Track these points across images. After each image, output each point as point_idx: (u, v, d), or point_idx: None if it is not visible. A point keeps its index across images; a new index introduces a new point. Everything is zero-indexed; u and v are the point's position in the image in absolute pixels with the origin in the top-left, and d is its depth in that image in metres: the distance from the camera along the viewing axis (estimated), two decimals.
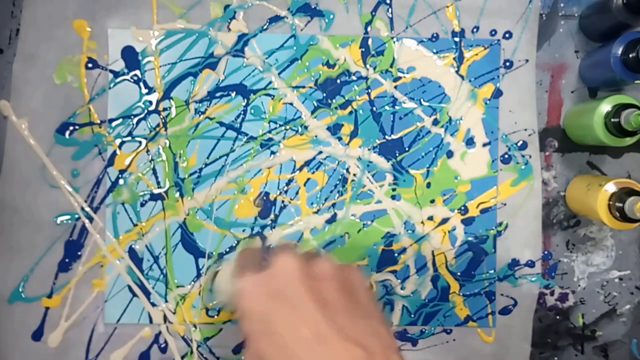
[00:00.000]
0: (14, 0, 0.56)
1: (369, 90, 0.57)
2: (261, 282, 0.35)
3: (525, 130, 0.57)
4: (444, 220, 0.57)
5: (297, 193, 0.57)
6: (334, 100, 0.57)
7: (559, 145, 0.58)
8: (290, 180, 0.57)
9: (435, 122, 0.57)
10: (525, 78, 0.57)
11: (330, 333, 0.32)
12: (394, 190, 0.57)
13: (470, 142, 0.57)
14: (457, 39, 0.57)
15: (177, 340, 0.56)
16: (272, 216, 0.57)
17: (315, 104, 0.57)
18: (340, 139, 0.57)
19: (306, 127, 0.57)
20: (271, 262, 0.35)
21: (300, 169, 0.57)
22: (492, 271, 0.57)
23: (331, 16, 0.57)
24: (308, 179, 0.57)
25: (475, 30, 0.57)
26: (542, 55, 0.58)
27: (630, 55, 0.49)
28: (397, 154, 0.57)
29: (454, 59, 0.57)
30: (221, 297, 0.50)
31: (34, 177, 0.55)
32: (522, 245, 0.57)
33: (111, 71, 0.56)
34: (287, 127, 0.57)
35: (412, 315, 0.57)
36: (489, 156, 0.57)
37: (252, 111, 0.57)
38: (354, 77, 0.57)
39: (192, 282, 0.56)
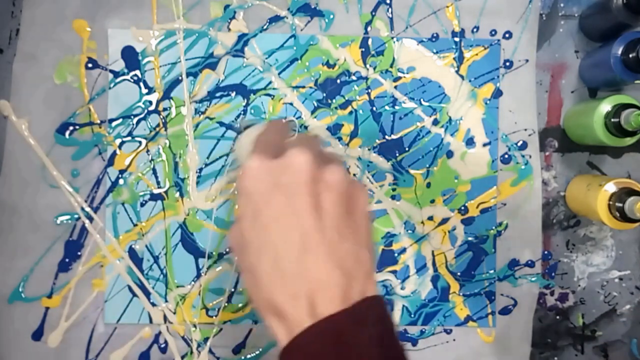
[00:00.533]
0: (14, 0, 0.56)
1: (369, 90, 0.57)
2: (269, 168, 0.34)
3: (525, 130, 0.57)
4: (444, 220, 0.57)
5: None
6: (334, 100, 0.57)
7: (559, 145, 0.58)
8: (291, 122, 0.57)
9: (435, 122, 0.57)
10: (525, 78, 0.57)
11: (315, 244, 0.31)
12: (394, 190, 0.57)
13: (470, 142, 0.57)
14: (457, 39, 0.57)
15: (177, 340, 0.56)
16: None
17: (315, 104, 0.57)
18: (340, 139, 0.57)
19: (306, 127, 0.57)
20: (286, 151, 0.34)
21: None
22: (492, 271, 0.57)
23: (331, 16, 0.57)
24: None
25: (475, 30, 0.57)
26: (542, 55, 0.58)
27: (630, 55, 0.49)
28: (397, 154, 0.57)
29: (454, 59, 0.57)
30: (238, 161, 0.48)
31: (34, 177, 0.55)
32: (522, 245, 0.57)
33: (111, 71, 0.56)
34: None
35: (412, 315, 0.57)
36: (489, 156, 0.57)
37: (252, 111, 0.57)
38: (354, 77, 0.57)
39: (192, 282, 0.56)
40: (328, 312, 0.30)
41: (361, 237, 0.34)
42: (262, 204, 0.33)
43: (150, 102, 0.56)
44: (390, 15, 0.57)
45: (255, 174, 0.34)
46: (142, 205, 0.56)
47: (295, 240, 0.31)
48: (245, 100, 0.57)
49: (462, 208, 0.57)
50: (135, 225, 0.56)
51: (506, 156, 0.57)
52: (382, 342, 0.31)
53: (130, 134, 0.56)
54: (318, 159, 0.34)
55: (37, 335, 0.55)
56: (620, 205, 0.49)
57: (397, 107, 0.57)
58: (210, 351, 0.56)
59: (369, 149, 0.57)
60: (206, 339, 0.56)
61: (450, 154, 0.57)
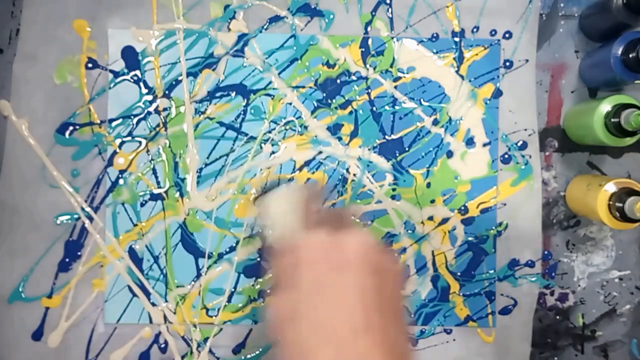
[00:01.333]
0: (14, 0, 0.56)
1: (369, 90, 0.57)
2: (329, 246, 0.34)
3: (525, 130, 0.57)
4: (444, 220, 0.57)
5: None
6: (334, 100, 0.57)
7: (559, 145, 0.58)
8: (290, 180, 0.57)
9: (435, 122, 0.57)
10: (525, 78, 0.57)
11: (372, 328, 0.32)
12: (394, 190, 0.57)
13: (470, 142, 0.57)
14: (457, 39, 0.57)
15: (177, 340, 0.56)
16: None
17: (315, 104, 0.57)
18: (340, 139, 0.57)
19: (306, 127, 0.57)
20: (344, 231, 0.35)
21: (300, 169, 0.57)
22: (492, 271, 0.57)
23: (331, 16, 0.57)
24: (308, 179, 0.57)
25: (475, 30, 0.57)
26: (542, 55, 0.58)
27: (630, 55, 0.49)
28: (397, 154, 0.57)
29: (454, 59, 0.57)
30: (267, 221, 0.47)
31: (34, 177, 0.55)
32: (522, 245, 0.57)
33: (111, 71, 0.56)
34: (287, 127, 0.57)
35: (412, 315, 0.57)
36: (489, 156, 0.57)
37: (252, 111, 0.57)
38: (354, 77, 0.57)
39: (192, 282, 0.56)
40: None
41: (405, 322, 0.35)
42: (320, 280, 0.34)
43: (150, 102, 0.56)
44: (390, 15, 0.57)
45: (313, 249, 0.35)
46: (142, 205, 0.56)
47: (351, 320, 0.32)
48: (245, 100, 0.57)
49: (462, 208, 0.57)
50: (135, 225, 0.56)
51: (506, 156, 0.57)
52: None
53: (130, 134, 0.56)
54: (376, 246, 0.35)
55: (37, 335, 0.55)
56: (620, 205, 0.49)
57: (397, 107, 0.57)
58: (210, 351, 0.56)
59: (369, 149, 0.57)
60: (206, 339, 0.56)
61: (450, 154, 0.57)
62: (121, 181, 0.56)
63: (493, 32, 0.57)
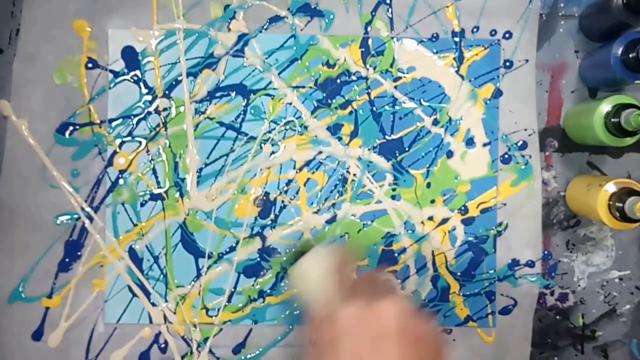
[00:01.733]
0: (14, 0, 0.56)
1: (369, 90, 0.57)
2: (367, 316, 0.35)
3: (525, 130, 0.57)
4: (444, 220, 0.57)
5: (297, 193, 0.57)
6: (334, 100, 0.57)
7: (559, 145, 0.58)
8: (290, 180, 0.57)
9: (435, 122, 0.57)
10: (525, 78, 0.57)
11: None
12: (394, 190, 0.57)
13: (470, 142, 0.57)
14: (457, 39, 0.57)
15: (177, 340, 0.56)
16: (272, 216, 0.57)
17: (315, 104, 0.57)
18: (340, 139, 0.57)
19: (306, 127, 0.57)
20: (381, 299, 0.36)
21: (300, 169, 0.57)
22: (492, 271, 0.57)
23: (331, 16, 0.57)
24: (308, 179, 0.57)
25: (475, 30, 0.57)
26: (542, 55, 0.58)
27: (630, 55, 0.49)
28: (397, 154, 0.57)
29: (454, 59, 0.57)
30: (302, 287, 0.47)
31: (34, 177, 0.55)
32: (522, 245, 0.57)
33: (111, 71, 0.56)
34: (287, 127, 0.57)
35: None
36: (489, 156, 0.57)
37: (252, 111, 0.57)
38: (354, 77, 0.57)
39: (192, 282, 0.56)
40: None
41: None
42: (360, 352, 0.34)
43: (150, 102, 0.56)
44: (390, 15, 0.57)
45: (353, 320, 0.35)
46: (142, 205, 0.56)
47: None
48: (245, 100, 0.57)
49: (462, 208, 0.57)
50: (135, 225, 0.56)
51: (506, 156, 0.57)
52: None
53: (130, 134, 0.56)
54: (412, 314, 0.36)
55: (37, 335, 0.55)
56: (620, 205, 0.49)
57: (397, 107, 0.57)
58: (210, 351, 0.56)
59: (369, 149, 0.57)
60: (206, 339, 0.56)
61: (450, 154, 0.57)
62: (121, 181, 0.56)
63: (493, 32, 0.57)
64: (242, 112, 0.57)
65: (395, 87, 0.57)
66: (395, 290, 0.40)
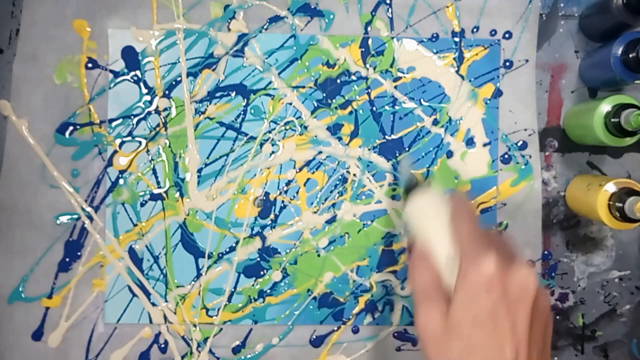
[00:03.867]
0: (14, 0, 0.56)
1: (369, 90, 0.57)
2: (499, 275, 0.34)
3: (525, 130, 0.57)
4: None
5: (297, 193, 0.57)
6: (334, 100, 0.57)
7: (559, 145, 0.58)
8: (290, 180, 0.57)
9: (435, 122, 0.57)
10: (525, 78, 0.57)
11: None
12: (394, 190, 0.57)
13: (470, 142, 0.57)
14: (457, 39, 0.57)
15: (177, 340, 0.56)
16: (272, 216, 0.57)
17: (315, 104, 0.57)
18: (340, 139, 0.57)
19: (306, 127, 0.57)
20: (515, 263, 0.35)
21: (300, 169, 0.57)
22: None
23: (331, 16, 0.57)
24: (308, 179, 0.57)
25: (475, 30, 0.57)
26: (542, 55, 0.58)
27: (630, 55, 0.49)
28: (397, 154, 0.57)
29: (454, 59, 0.57)
30: (412, 219, 0.43)
31: (34, 177, 0.55)
32: (522, 245, 0.57)
33: (111, 71, 0.56)
34: (287, 127, 0.57)
35: (412, 316, 0.57)
36: (489, 156, 0.57)
37: (252, 111, 0.57)
38: (354, 77, 0.57)
39: (192, 282, 0.56)
40: None
41: (549, 355, 0.37)
42: (487, 308, 0.34)
43: (150, 102, 0.56)
44: (390, 15, 0.57)
45: (488, 278, 0.34)
46: (142, 205, 0.56)
47: (509, 353, 0.33)
48: (245, 100, 0.57)
49: None
50: (135, 225, 0.56)
51: (506, 156, 0.57)
52: None
53: (130, 134, 0.56)
54: (538, 282, 0.36)
55: (37, 335, 0.55)
56: (620, 205, 0.49)
57: (397, 107, 0.57)
58: (210, 351, 0.56)
59: (369, 149, 0.57)
60: (206, 339, 0.56)
61: (450, 154, 0.57)
62: (121, 181, 0.56)
63: (493, 32, 0.57)
64: (242, 112, 0.57)
65: (395, 87, 0.57)
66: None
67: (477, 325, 0.34)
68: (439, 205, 0.41)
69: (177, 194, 0.56)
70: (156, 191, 0.56)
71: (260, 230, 0.57)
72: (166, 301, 0.56)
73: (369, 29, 0.57)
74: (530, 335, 0.34)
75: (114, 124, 0.56)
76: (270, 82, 0.57)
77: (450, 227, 0.39)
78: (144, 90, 0.56)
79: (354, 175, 0.57)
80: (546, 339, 0.36)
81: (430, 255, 0.39)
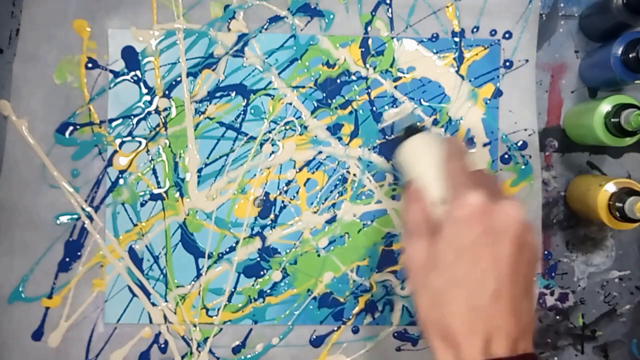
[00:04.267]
0: (14, 0, 0.56)
1: (369, 90, 0.57)
2: (486, 210, 0.35)
3: (525, 130, 0.57)
4: None
5: (297, 193, 0.57)
6: (334, 100, 0.57)
7: (559, 145, 0.58)
8: (290, 180, 0.57)
9: (436, 122, 0.57)
10: (525, 78, 0.57)
11: (506, 295, 0.34)
12: (394, 190, 0.57)
13: (470, 142, 0.57)
14: (457, 39, 0.57)
15: (177, 340, 0.56)
16: (272, 216, 0.57)
17: (315, 104, 0.57)
18: (340, 139, 0.57)
19: (306, 127, 0.57)
20: (501, 199, 0.36)
21: (300, 169, 0.57)
22: None
23: (331, 16, 0.57)
24: (308, 179, 0.57)
25: (475, 30, 0.57)
26: (542, 55, 0.58)
27: (630, 55, 0.49)
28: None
29: (454, 59, 0.57)
30: (406, 161, 0.45)
31: (34, 177, 0.55)
32: None
33: (111, 71, 0.56)
34: (287, 127, 0.57)
35: (412, 316, 0.57)
36: (489, 156, 0.57)
37: (252, 111, 0.57)
38: (354, 77, 0.57)
39: (192, 282, 0.56)
40: (498, 355, 0.33)
41: (533, 295, 0.37)
42: (470, 239, 0.35)
43: (150, 102, 0.56)
44: (390, 15, 0.57)
45: (473, 211, 0.35)
46: (142, 205, 0.56)
47: (491, 285, 0.34)
48: (245, 100, 0.57)
49: None
50: (135, 225, 0.56)
51: (506, 156, 0.57)
52: None
53: (130, 134, 0.56)
54: (525, 217, 0.36)
55: (37, 335, 0.55)
56: (620, 205, 0.49)
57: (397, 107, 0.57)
58: (210, 351, 0.56)
59: (369, 149, 0.57)
60: (206, 339, 0.56)
61: None
62: (121, 181, 0.56)
63: (493, 32, 0.57)
64: (242, 112, 0.57)
65: (395, 87, 0.57)
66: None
67: (460, 257, 0.35)
68: (433, 146, 0.43)
69: (177, 194, 0.56)
70: (156, 191, 0.56)
71: (260, 230, 0.57)
72: (166, 301, 0.56)
73: (369, 29, 0.57)
74: (513, 271, 0.34)
75: (114, 124, 0.56)
76: (270, 82, 0.57)
77: (442, 167, 0.41)
78: (144, 90, 0.56)
79: (354, 175, 0.57)
80: (531, 280, 0.36)
81: (423, 193, 0.40)
